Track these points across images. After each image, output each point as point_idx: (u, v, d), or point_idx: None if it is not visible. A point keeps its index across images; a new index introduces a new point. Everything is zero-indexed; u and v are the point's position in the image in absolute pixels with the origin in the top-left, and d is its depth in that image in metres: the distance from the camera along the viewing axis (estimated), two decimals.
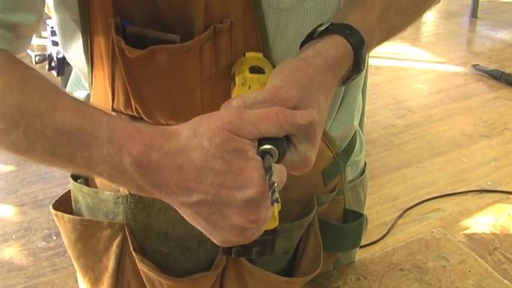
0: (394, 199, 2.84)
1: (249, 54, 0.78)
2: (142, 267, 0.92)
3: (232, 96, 0.73)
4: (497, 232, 1.21)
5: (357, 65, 0.75)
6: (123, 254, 0.94)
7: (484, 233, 1.21)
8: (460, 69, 4.20)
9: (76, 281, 1.05)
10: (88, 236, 0.95)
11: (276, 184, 0.57)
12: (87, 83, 0.88)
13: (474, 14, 5.12)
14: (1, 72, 0.69)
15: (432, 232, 1.19)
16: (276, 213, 0.69)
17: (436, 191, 2.89)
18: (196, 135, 0.61)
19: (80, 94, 0.94)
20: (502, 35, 4.82)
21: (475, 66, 4.14)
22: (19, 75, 0.69)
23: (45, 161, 0.69)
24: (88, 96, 0.88)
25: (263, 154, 0.62)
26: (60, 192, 1.02)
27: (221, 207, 0.61)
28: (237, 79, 0.74)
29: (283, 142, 0.64)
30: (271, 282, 0.94)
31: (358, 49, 0.74)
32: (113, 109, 0.83)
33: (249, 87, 0.71)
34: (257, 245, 0.69)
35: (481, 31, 4.97)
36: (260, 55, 0.79)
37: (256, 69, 0.74)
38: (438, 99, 3.79)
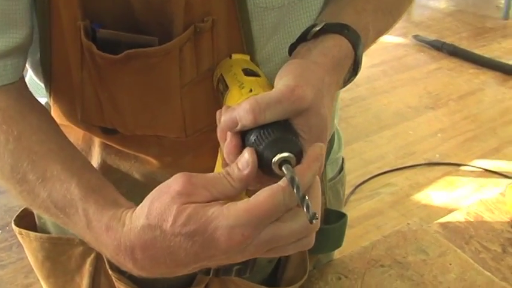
0: None
1: (235, 56, 0.71)
2: (120, 286, 0.86)
3: (227, 100, 0.65)
4: (471, 219, 1.20)
5: (356, 66, 0.71)
6: (97, 272, 0.87)
7: (458, 221, 1.20)
8: (401, 40, 4.22)
9: (25, 276, 0.98)
10: (57, 254, 0.88)
11: (307, 197, 0.50)
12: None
13: None
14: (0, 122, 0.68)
15: (408, 224, 1.17)
16: None
17: (386, 165, 2.90)
18: (150, 222, 0.54)
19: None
20: (440, 4, 4.87)
21: (416, 36, 4.18)
22: (13, 128, 0.68)
23: None
24: (47, 104, 0.80)
25: (281, 163, 0.54)
26: None
27: (220, 260, 0.55)
28: (229, 82, 0.67)
29: (296, 145, 0.56)
30: None
31: (357, 49, 0.70)
32: (80, 121, 0.75)
33: (251, 90, 0.63)
34: (238, 264, 0.64)
35: (419, 0, 5.00)
36: (247, 58, 0.72)
37: (249, 72, 0.67)
38: (381, 71, 3.80)
